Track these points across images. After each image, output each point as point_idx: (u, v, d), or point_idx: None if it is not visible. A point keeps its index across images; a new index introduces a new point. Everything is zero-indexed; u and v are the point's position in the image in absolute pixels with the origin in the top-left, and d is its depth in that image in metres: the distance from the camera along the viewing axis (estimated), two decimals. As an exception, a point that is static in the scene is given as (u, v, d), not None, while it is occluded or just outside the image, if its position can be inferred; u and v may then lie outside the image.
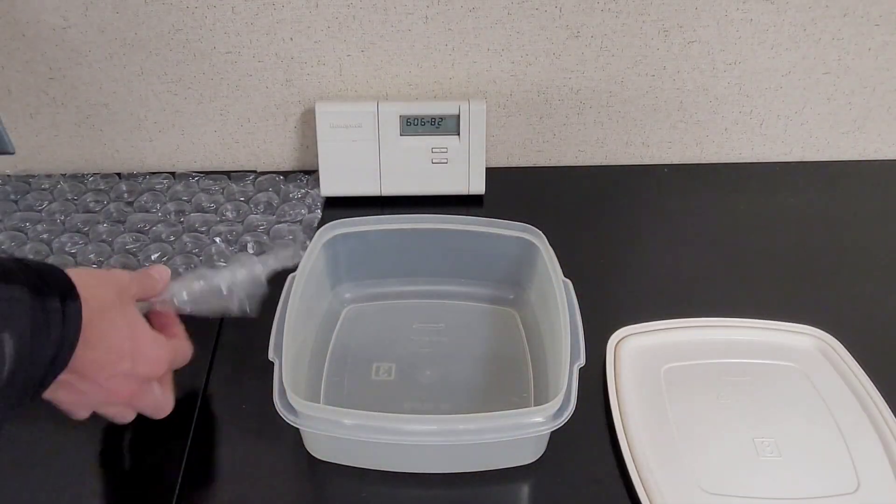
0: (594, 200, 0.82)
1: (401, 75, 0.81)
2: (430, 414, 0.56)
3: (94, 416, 0.48)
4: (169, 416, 0.51)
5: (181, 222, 0.77)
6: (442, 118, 0.77)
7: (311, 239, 0.63)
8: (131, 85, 0.80)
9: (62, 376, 0.41)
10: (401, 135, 0.78)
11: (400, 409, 0.58)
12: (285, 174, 0.84)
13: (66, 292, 0.41)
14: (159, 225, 0.77)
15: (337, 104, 0.78)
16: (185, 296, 0.53)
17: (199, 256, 0.73)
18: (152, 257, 0.73)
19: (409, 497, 0.53)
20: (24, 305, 0.38)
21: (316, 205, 0.80)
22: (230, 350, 0.64)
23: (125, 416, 0.50)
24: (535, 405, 0.57)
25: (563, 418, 0.48)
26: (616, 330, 0.63)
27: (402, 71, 0.80)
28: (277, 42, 0.78)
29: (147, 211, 0.79)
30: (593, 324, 0.58)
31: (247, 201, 0.80)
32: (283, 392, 0.50)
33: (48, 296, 0.40)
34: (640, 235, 0.77)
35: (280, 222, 0.77)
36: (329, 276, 0.67)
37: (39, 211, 0.79)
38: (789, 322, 0.64)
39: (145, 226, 0.77)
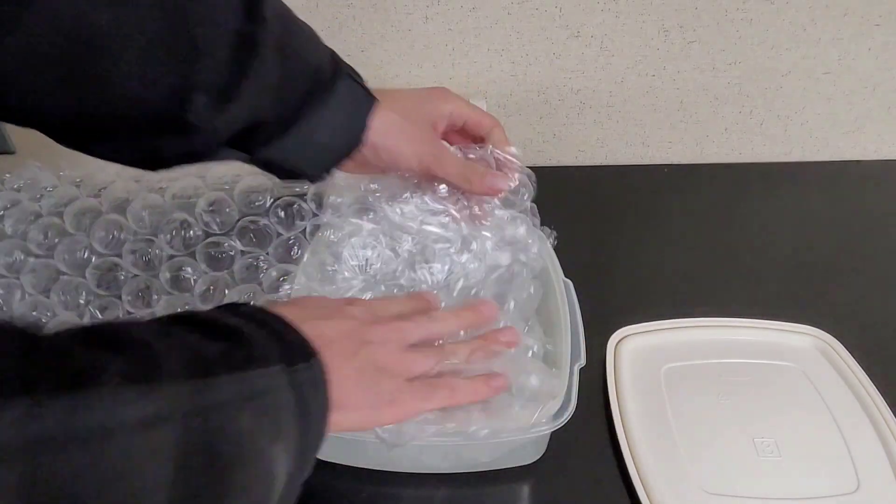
0: (594, 200, 0.82)
1: (401, 75, 0.81)
2: (430, 414, 0.56)
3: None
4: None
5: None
6: (442, 118, 0.77)
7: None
8: (131, 85, 0.80)
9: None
10: (401, 135, 0.78)
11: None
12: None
13: (308, 352, 0.35)
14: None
15: (337, 104, 0.78)
16: None
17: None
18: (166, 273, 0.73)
19: (409, 497, 0.53)
20: (290, 403, 0.32)
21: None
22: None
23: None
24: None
25: (563, 418, 0.48)
26: (616, 330, 0.63)
27: (402, 71, 0.80)
28: (277, 42, 0.78)
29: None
30: (593, 324, 0.58)
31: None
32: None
33: (297, 367, 0.33)
34: (640, 235, 0.77)
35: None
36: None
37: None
38: (789, 322, 0.64)
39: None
